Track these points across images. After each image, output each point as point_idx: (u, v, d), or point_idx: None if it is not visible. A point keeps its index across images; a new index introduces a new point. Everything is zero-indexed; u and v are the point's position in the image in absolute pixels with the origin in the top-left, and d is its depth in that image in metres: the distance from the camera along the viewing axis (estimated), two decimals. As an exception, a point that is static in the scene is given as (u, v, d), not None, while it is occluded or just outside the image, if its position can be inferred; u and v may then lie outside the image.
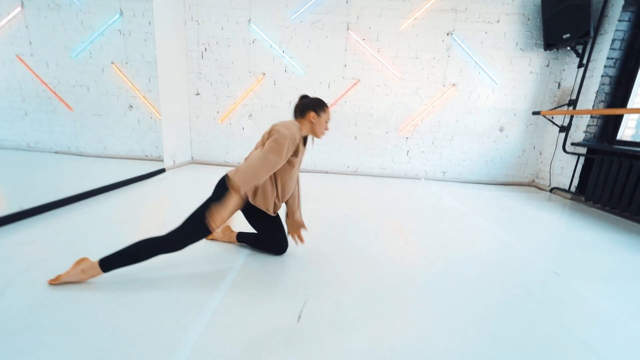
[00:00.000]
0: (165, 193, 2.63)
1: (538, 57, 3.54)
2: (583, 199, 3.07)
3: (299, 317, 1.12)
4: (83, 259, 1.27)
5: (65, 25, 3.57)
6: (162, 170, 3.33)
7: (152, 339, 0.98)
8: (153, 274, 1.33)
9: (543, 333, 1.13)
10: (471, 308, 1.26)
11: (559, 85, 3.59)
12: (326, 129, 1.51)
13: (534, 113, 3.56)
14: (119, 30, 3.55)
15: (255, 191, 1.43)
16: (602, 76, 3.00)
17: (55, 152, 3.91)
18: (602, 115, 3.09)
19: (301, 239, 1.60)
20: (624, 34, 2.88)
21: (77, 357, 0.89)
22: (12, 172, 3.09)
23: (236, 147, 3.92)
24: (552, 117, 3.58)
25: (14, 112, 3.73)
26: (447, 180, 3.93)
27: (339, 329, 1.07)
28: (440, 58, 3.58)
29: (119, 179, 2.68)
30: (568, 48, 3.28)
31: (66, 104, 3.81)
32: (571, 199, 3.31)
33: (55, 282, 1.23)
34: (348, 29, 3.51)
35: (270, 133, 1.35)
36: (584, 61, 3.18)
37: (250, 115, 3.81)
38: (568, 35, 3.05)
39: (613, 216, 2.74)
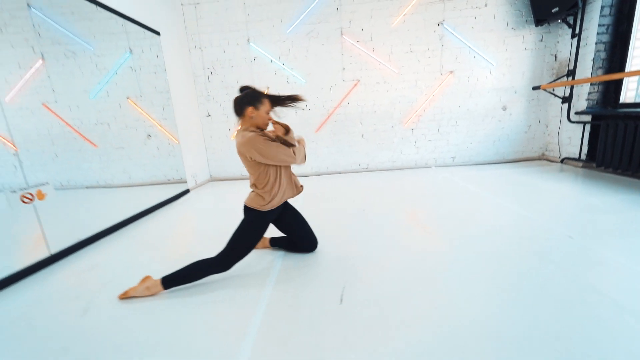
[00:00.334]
0: (194, 211, 2.84)
1: (530, 34, 3.61)
2: (594, 165, 3.12)
3: (341, 299, 1.27)
4: (147, 277, 1.47)
5: (82, 70, 3.87)
6: (187, 191, 3.56)
7: (223, 330, 1.15)
8: (208, 278, 1.51)
9: (565, 290, 1.25)
10: (493, 277, 1.38)
11: (555, 57, 3.65)
12: (269, 119, 1.50)
13: (534, 88, 3.63)
14: (131, 67, 3.82)
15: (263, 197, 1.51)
16: (596, 43, 3.06)
17: (86, 187, 4.20)
18: (603, 81, 3.14)
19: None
20: (612, -1, 2.94)
21: (165, 351, 1.07)
22: (56, 209, 3.38)
23: (250, 160, 4.12)
24: (553, 90, 3.64)
25: (46, 155, 4.04)
26: (457, 165, 4.02)
27: (377, 306, 1.22)
28: (435, 48, 3.69)
29: (151, 203, 2.91)
30: (559, 21, 3.35)
31: (90, 142, 4.10)
32: (583, 167, 3.35)
33: (125, 297, 1.43)
34: (342, 34, 3.68)
35: (246, 154, 1.40)
36: (577, 31, 3.24)
37: (260, 128, 4.01)
38: (557, 8, 3.12)
39: (626, 178, 2.79)
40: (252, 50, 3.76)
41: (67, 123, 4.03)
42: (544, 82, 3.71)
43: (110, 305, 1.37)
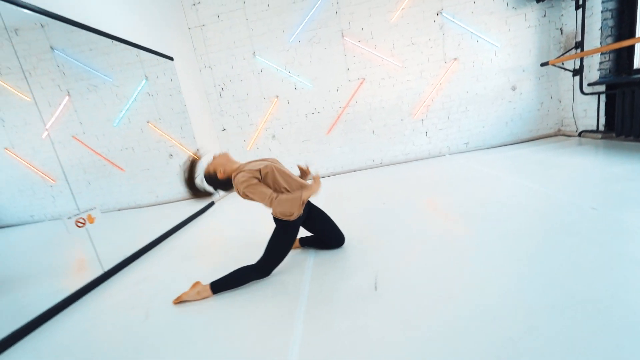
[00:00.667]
0: (223, 221, 3.00)
1: (533, 11, 3.59)
2: (614, 135, 3.06)
3: (375, 286, 1.37)
4: (197, 283, 1.62)
5: (104, 101, 4.15)
6: (212, 204, 3.74)
7: (271, 323, 1.26)
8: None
9: (594, 259, 1.29)
10: (520, 254, 1.43)
11: (561, 31, 3.60)
12: (227, 159, 1.70)
13: (543, 64, 3.60)
14: (148, 93, 4.07)
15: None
16: (602, 12, 3.01)
17: (119, 210, 4.48)
18: (614, 49, 3.09)
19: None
20: (614, -35, 2.90)
21: (221, 350, 1.20)
22: (98, 232, 3.65)
23: (267, 167, 4.27)
24: (562, 64, 3.59)
25: (80, 183, 4.34)
26: (471, 150, 4.02)
27: (410, 290, 1.31)
28: (436, 38, 3.73)
29: (181, 218, 3.09)
30: (560, -6, 3.31)
31: (118, 167, 4.38)
32: (602, 138, 3.29)
33: (178, 301, 1.57)
34: (343, 35, 3.78)
35: (244, 188, 1.49)
36: (580, 2, 3.20)
37: (274, 136, 4.16)
38: (556, -18, 3.10)
39: (649, 144, 2.74)
40: (259, 63, 3.92)
41: (95, 152, 4.33)
42: (551, 58, 3.66)
43: (167, 310, 1.52)
